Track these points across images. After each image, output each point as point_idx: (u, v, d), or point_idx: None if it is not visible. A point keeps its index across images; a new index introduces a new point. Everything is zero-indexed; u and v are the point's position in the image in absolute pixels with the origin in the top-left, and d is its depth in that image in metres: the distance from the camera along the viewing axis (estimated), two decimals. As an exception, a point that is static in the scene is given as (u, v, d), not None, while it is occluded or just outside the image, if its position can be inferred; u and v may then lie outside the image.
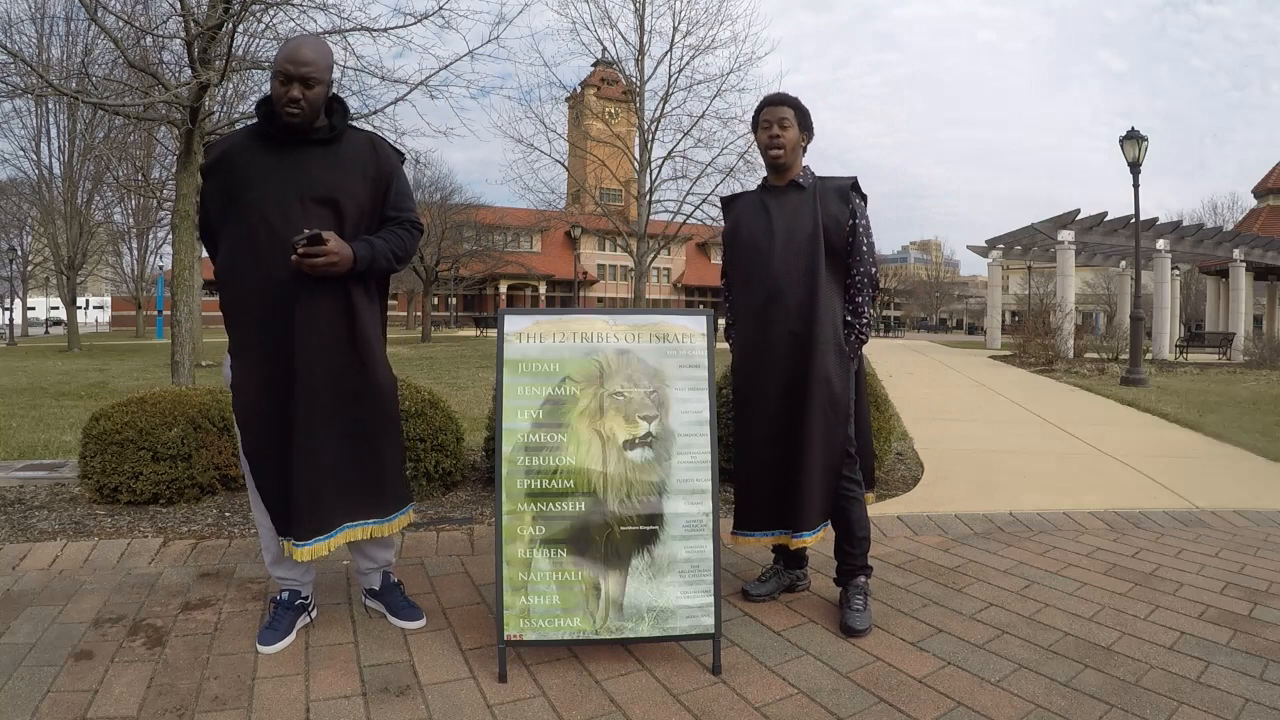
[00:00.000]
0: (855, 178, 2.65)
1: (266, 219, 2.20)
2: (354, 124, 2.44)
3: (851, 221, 2.59)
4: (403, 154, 2.49)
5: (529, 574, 2.20)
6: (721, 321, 2.84)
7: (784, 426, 2.56)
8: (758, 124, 2.69)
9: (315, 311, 2.23)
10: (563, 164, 19.77)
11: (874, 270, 2.65)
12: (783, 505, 2.60)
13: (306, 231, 2.11)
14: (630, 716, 1.97)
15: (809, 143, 2.71)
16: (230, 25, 5.60)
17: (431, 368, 13.35)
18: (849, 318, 2.63)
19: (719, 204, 2.96)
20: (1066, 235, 18.65)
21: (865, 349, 2.76)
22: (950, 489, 4.41)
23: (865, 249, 2.62)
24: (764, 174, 2.78)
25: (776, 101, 2.66)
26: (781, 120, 2.61)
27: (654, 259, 20.70)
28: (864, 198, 2.67)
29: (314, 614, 2.48)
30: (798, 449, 2.54)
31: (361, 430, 2.34)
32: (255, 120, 2.33)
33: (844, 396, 2.60)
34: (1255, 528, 3.80)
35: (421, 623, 2.48)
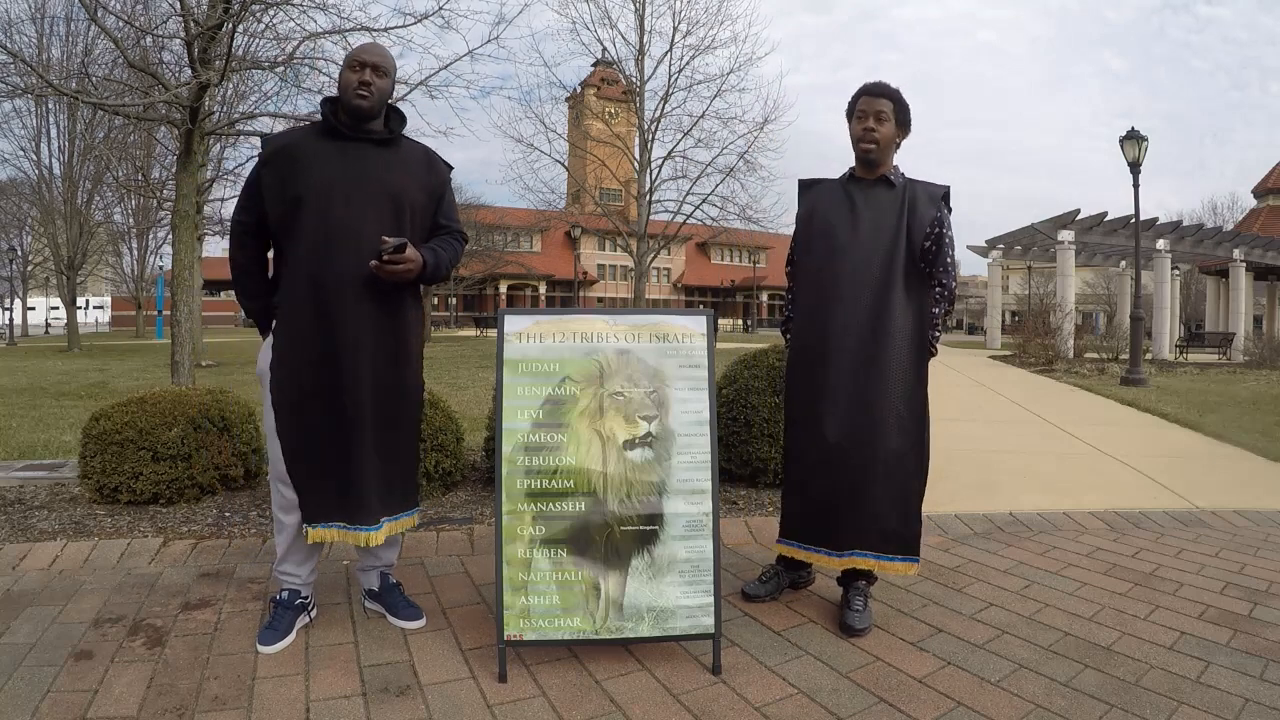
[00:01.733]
0: (948, 187, 2.55)
1: (328, 209, 2.26)
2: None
3: (938, 230, 2.50)
4: (451, 166, 2.57)
5: (529, 574, 2.20)
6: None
7: (853, 437, 2.46)
8: (853, 112, 2.56)
9: (370, 305, 2.30)
10: (563, 164, 19.76)
11: (954, 285, 2.56)
12: (825, 522, 2.52)
13: (392, 240, 2.18)
14: (630, 716, 1.97)
15: (904, 139, 2.58)
16: (230, 25, 5.59)
17: (431, 368, 13.35)
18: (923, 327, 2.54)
19: (797, 188, 2.68)
20: (1066, 235, 18.65)
21: None
22: (950, 489, 4.41)
23: (949, 261, 2.53)
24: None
25: (876, 92, 2.52)
26: (879, 114, 2.49)
27: (654, 259, 20.69)
28: (950, 209, 2.57)
29: (314, 614, 2.48)
30: (858, 463, 2.45)
31: (393, 425, 2.40)
32: (314, 120, 2.43)
33: (918, 412, 2.52)
34: (1255, 528, 3.80)
35: (421, 623, 2.48)
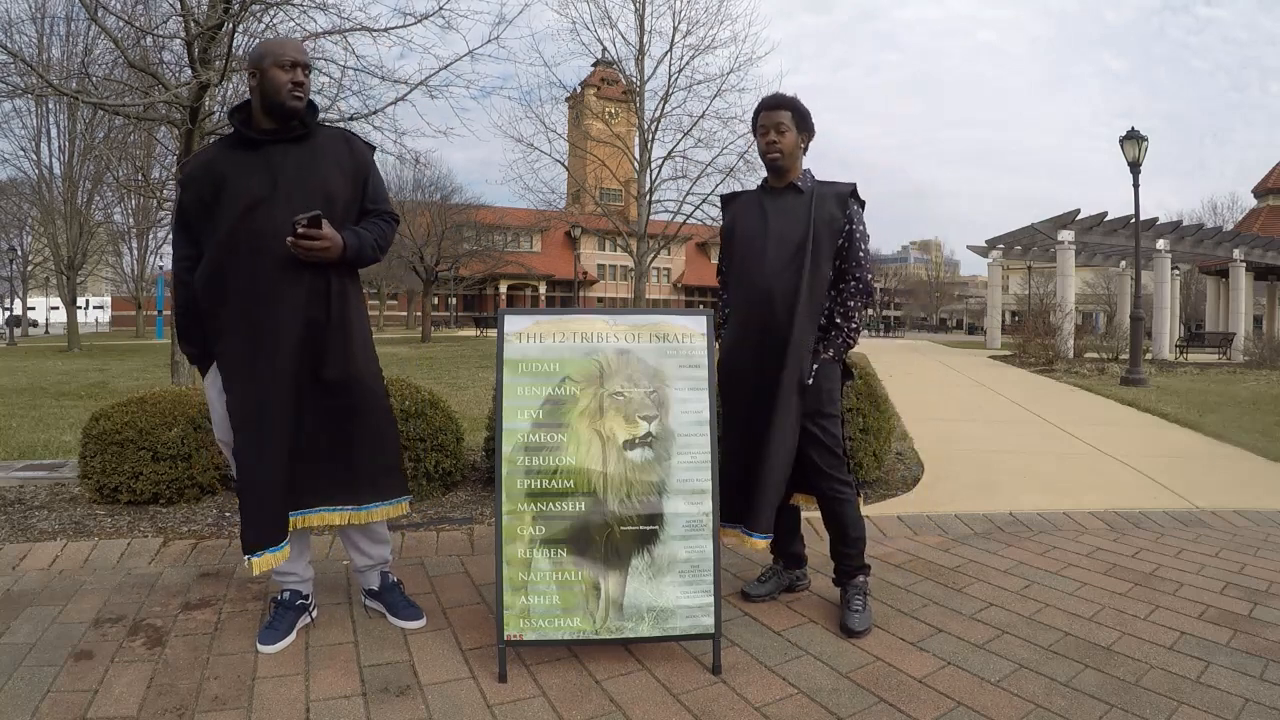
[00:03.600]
0: (854, 184, 2.63)
1: (253, 213, 2.22)
2: (325, 123, 2.49)
3: (848, 227, 2.58)
4: (373, 146, 2.53)
5: (529, 574, 2.20)
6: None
7: (752, 426, 2.57)
8: (755, 129, 2.68)
9: (300, 298, 2.25)
10: (563, 164, 19.76)
11: (869, 277, 2.62)
12: (742, 502, 2.59)
13: (305, 215, 2.15)
14: (630, 716, 1.97)
15: (809, 142, 2.69)
16: (230, 25, 5.60)
17: (431, 368, 13.34)
18: (839, 320, 2.60)
19: (719, 203, 2.96)
20: (1066, 235, 18.65)
21: (864, 349, 2.76)
22: (950, 489, 4.41)
23: (861, 255, 2.60)
24: (764, 173, 2.77)
25: (772, 105, 2.63)
26: (778, 125, 2.59)
27: (654, 259, 20.68)
28: (862, 204, 2.64)
29: (314, 614, 2.48)
30: (761, 449, 2.54)
31: (339, 417, 2.34)
32: (228, 132, 2.38)
33: (825, 401, 2.57)
34: (1255, 528, 3.80)
35: (421, 622, 2.48)
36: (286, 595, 2.40)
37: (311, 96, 2.40)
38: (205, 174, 2.28)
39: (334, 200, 2.30)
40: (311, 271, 2.25)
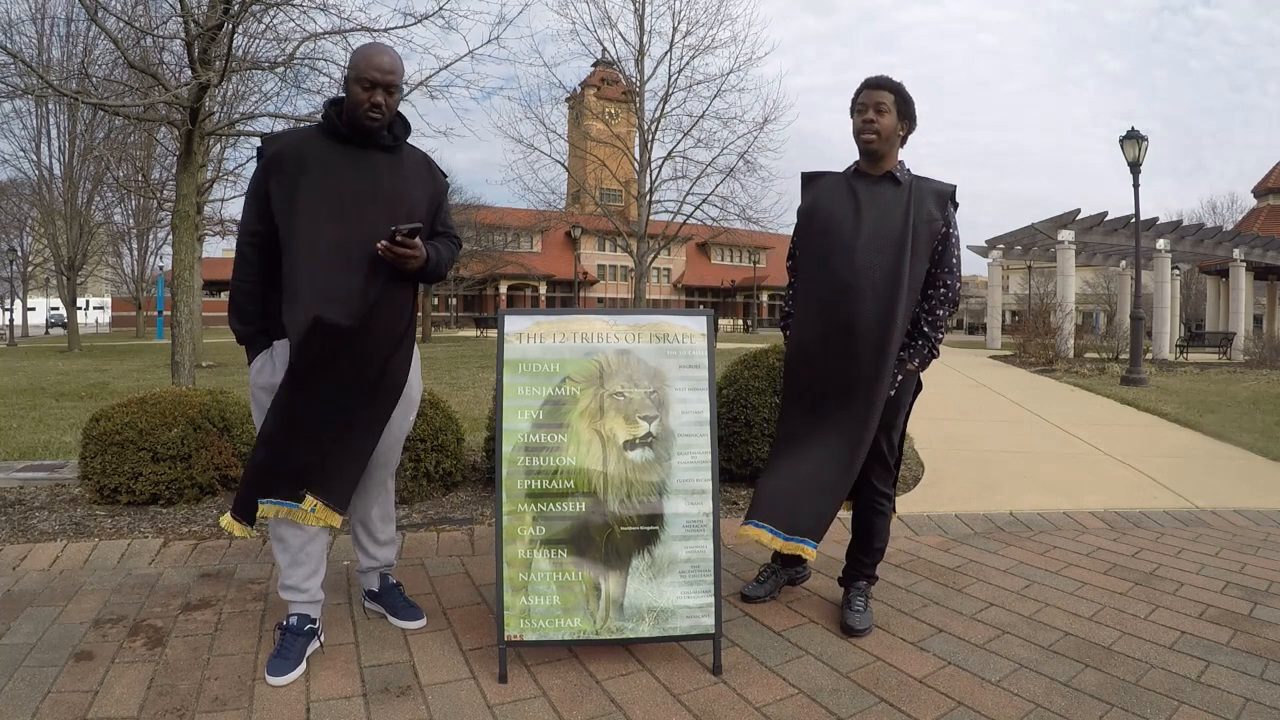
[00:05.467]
0: (954, 185, 2.50)
1: (339, 211, 2.20)
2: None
3: (945, 229, 2.45)
4: (447, 174, 2.56)
5: (529, 574, 2.20)
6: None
7: (835, 427, 2.44)
8: (854, 107, 2.53)
9: (383, 313, 2.27)
10: (563, 164, 19.77)
11: (958, 286, 2.50)
12: (811, 511, 2.45)
13: (407, 226, 2.17)
14: (630, 716, 1.97)
15: (909, 133, 2.54)
16: (230, 26, 5.59)
17: (431, 368, 13.34)
18: (926, 329, 2.49)
19: (800, 180, 2.66)
20: (1066, 235, 18.65)
21: None
22: (950, 489, 4.41)
23: (954, 261, 2.48)
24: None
25: (875, 85, 2.47)
26: (879, 105, 2.44)
27: (654, 259, 20.67)
28: (956, 206, 2.52)
29: (323, 638, 2.34)
30: (842, 454, 2.42)
31: (375, 420, 2.33)
32: (312, 121, 2.36)
33: (897, 414, 2.52)
34: (1255, 527, 3.80)
35: (422, 623, 2.48)
36: (294, 620, 2.26)
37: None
38: (291, 153, 2.24)
39: (414, 216, 2.31)
40: (386, 277, 2.24)
